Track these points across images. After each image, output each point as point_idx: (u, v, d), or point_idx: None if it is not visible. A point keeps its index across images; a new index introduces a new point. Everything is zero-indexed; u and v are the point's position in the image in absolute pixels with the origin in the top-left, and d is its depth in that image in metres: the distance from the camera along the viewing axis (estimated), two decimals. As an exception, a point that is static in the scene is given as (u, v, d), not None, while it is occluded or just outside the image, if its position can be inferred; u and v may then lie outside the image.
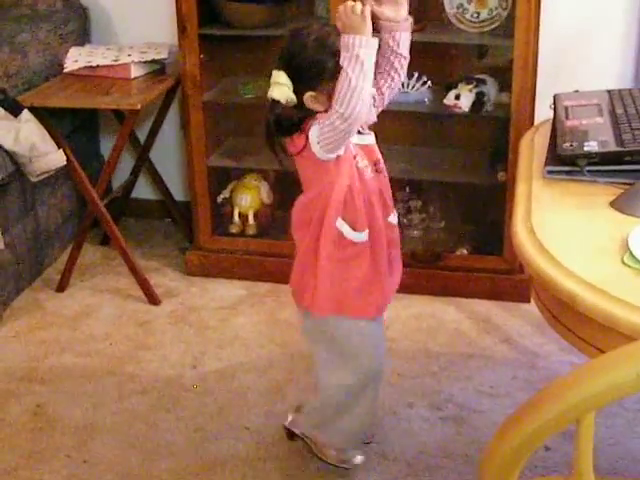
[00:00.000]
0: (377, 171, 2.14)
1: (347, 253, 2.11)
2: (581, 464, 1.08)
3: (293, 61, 1.99)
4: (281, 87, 1.99)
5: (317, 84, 1.98)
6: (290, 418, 2.44)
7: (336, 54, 1.93)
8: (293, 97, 1.99)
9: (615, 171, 1.91)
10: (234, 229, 3.38)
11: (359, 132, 2.08)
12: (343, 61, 1.90)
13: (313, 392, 2.38)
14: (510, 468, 1.11)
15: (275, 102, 1.99)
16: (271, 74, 2.01)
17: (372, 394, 2.27)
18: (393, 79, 2.14)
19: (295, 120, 2.02)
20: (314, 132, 1.98)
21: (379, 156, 2.16)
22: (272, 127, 2.02)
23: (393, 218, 2.21)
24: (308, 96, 1.99)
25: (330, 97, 1.95)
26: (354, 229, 2.09)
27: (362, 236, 2.10)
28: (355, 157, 2.07)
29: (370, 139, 2.14)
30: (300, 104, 2.01)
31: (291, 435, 2.44)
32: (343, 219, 2.08)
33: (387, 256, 2.18)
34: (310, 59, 1.97)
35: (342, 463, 2.33)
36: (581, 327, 1.56)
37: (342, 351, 2.20)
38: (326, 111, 1.97)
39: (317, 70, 1.97)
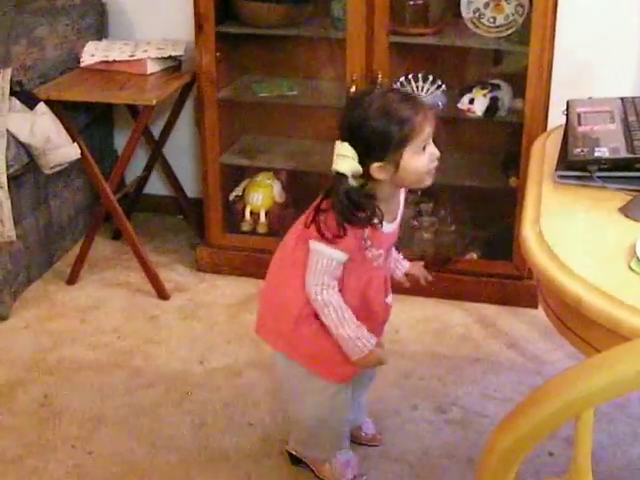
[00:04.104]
0: (386, 257, 2.11)
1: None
2: (579, 461, 1.08)
3: (357, 132, 1.89)
4: (345, 159, 1.90)
5: (384, 155, 1.90)
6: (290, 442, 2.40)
7: (402, 122, 1.88)
8: (359, 168, 1.91)
9: (625, 177, 1.92)
10: (245, 227, 3.38)
11: (391, 220, 2.06)
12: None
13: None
14: (508, 465, 1.11)
15: (340, 175, 1.90)
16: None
17: (346, 402, 2.24)
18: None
19: (364, 194, 1.94)
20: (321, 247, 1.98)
21: (394, 240, 2.12)
22: (345, 202, 1.91)
23: (390, 298, 2.21)
24: (376, 167, 1.92)
25: (397, 165, 1.91)
26: None
27: None
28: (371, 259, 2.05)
29: (396, 224, 2.09)
30: (365, 174, 1.93)
31: (296, 460, 2.38)
32: None
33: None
34: (375, 131, 1.88)
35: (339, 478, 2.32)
36: (587, 331, 1.57)
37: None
38: (392, 179, 1.94)
39: (384, 142, 1.88)
